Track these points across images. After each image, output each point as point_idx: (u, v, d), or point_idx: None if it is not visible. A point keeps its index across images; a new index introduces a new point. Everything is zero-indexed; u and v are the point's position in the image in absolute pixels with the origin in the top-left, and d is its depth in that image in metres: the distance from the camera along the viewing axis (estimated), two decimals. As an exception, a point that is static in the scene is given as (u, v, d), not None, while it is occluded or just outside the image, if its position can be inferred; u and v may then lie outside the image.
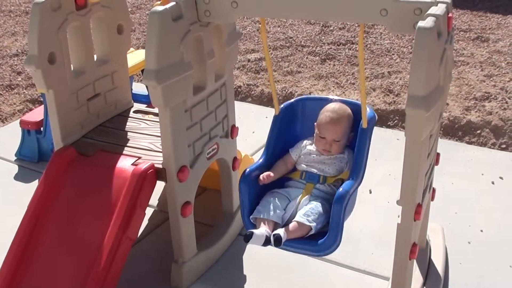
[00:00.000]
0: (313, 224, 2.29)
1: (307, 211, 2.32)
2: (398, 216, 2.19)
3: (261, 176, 2.46)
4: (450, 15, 2.02)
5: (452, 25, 2.08)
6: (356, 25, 6.46)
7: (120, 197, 2.52)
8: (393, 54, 5.75)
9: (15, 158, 4.08)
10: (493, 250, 3.01)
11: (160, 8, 2.30)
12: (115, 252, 2.44)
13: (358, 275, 2.86)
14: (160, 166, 2.60)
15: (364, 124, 2.39)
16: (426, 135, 2.02)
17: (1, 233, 2.83)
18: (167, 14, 2.31)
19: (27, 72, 5.51)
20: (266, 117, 4.47)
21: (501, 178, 3.64)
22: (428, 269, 2.76)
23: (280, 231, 2.26)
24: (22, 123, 4.02)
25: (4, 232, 2.78)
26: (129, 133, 2.97)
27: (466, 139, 4.22)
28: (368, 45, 5.98)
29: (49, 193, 2.64)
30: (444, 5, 1.99)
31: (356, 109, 2.49)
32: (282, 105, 2.63)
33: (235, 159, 3.06)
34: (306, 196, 2.42)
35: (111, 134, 2.96)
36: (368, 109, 2.42)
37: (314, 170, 2.47)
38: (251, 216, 2.41)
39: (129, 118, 3.13)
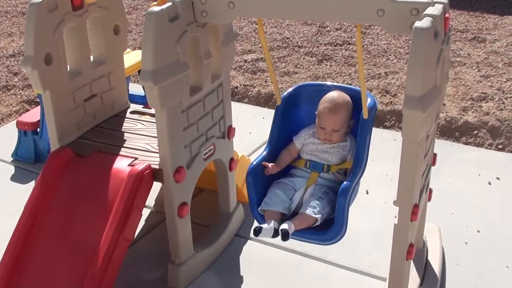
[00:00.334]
0: (319, 216, 2.35)
1: (313, 203, 2.37)
2: (395, 217, 2.20)
3: (268, 164, 2.50)
4: (447, 15, 2.02)
5: (449, 26, 2.09)
6: (353, 25, 6.47)
7: (117, 198, 2.52)
8: (389, 55, 5.75)
9: (12, 159, 4.07)
10: (490, 251, 3.01)
11: (157, 8, 2.30)
12: (112, 253, 2.44)
13: (355, 275, 2.86)
14: (157, 166, 2.59)
15: (365, 115, 2.40)
16: (423, 135, 2.02)
17: (-3, 234, 2.82)
18: (163, 15, 2.30)
19: (23, 73, 5.49)
20: (263, 118, 4.47)
21: (498, 178, 3.64)
22: (425, 269, 2.76)
23: (287, 225, 2.31)
24: (19, 124, 4.01)
25: (0, 233, 2.77)
26: (125, 134, 2.96)
27: (463, 139, 4.22)
28: (365, 46, 5.98)
29: (45, 194, 2.64)
30: (441, 6, 1.99)
31: (356, 95, 2.49)
32: (283, 95, 2.65)
33: (231, 159, 3.06)
34: (312, 185, 2.47)
35: (107, 135, 2.95)
36: (368, 98, 2.43)
37: (318, 160, 2.51)
38: (259, 208, 2.46)
39: (126, 119, 3.12)
